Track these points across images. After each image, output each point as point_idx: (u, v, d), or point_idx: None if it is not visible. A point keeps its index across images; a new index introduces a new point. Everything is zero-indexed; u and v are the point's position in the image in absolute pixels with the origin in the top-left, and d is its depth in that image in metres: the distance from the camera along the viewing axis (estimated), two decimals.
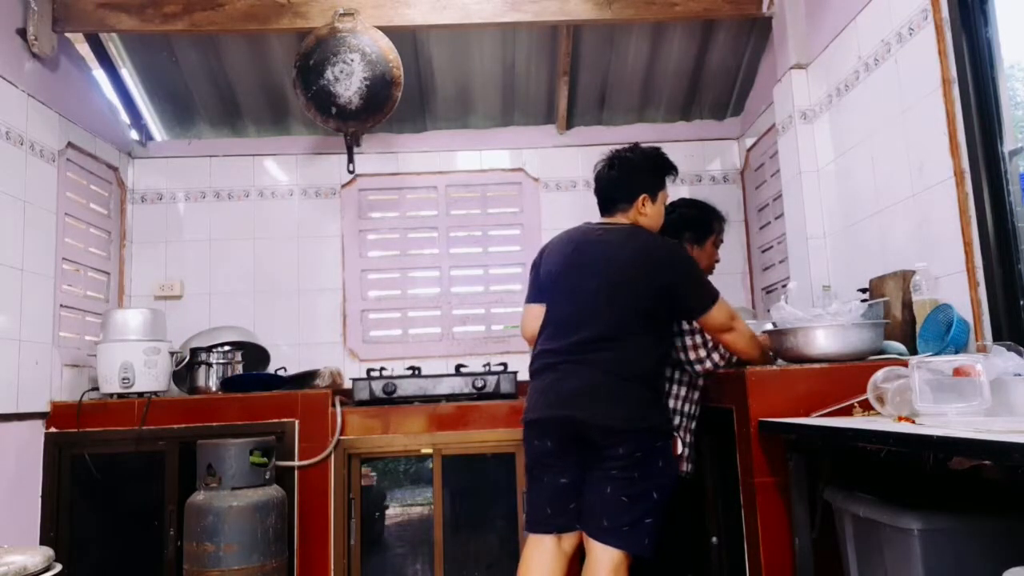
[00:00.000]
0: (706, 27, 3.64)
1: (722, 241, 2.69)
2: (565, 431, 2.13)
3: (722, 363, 2.30)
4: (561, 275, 2.27)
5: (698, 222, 2.60)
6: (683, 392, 2.37)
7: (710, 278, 2.39)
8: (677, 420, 2.34)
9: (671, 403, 2.35)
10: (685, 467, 2.34)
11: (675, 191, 3.99)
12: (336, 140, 3.75)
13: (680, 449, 2.26)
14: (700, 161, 4.02)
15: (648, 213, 2.29)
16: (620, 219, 2.31)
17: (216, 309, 3.80)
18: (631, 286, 2.15)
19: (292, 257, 3.89)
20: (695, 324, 2.31)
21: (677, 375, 2.36)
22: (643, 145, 2.40)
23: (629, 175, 2.32)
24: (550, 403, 2.15)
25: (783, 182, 3.23)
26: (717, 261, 2.68)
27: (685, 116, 4.09)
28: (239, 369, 3.35)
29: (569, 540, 2.16)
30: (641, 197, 2.28)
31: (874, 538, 1.76)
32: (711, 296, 2.22)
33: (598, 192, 2.39)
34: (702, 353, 2.30)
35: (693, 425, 2.39)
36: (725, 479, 2.29)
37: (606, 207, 2.36)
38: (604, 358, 2.11)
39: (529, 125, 4.06)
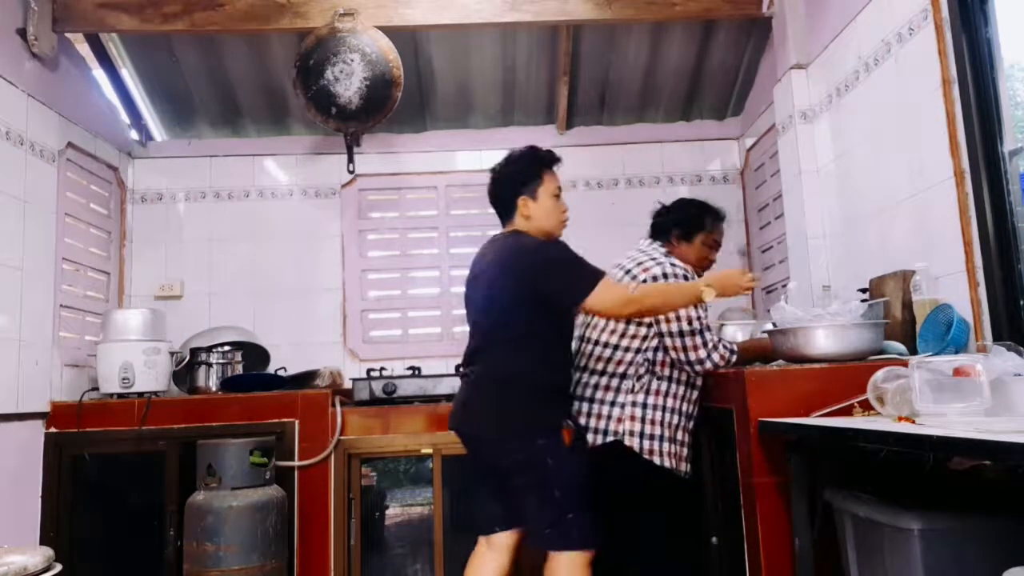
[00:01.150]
0: (706, 27, 3.64)
1: (718, 243, 2.60)
2: (466, 443, 2.26)
3: (722, 363, 2.29)
4: (467, 292, 2.38)
5: (687, 219, 2.55)
6: (682, 391, 2.36)
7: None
8: (676, 419, 2.33)
9: (670, 403, 2.33)
10: (684, 467, 2.33)
11: (674, 191, 4.02)
12: (336, 140, 3.75)
13: (571, 439, 2.13)
14: (700, 161, 4.02)
15: (533, 212, 2.28)
16: (508, 228, 2.35)
17: (216, 309, 3.80)
18: (497, 291, 2.20)
19: (292, 257, 3.89)
20: (695, 324, 2.29)
21: (676, 375, 2.36)
22: (515, 150, 2.41)
23: (502, 185, 2.36)
24: (452, 418, 2.29)
25: (783, 182, 3.23)
26: (712, 261, 2.60)
27: (685, 116, 4.09)
28: (239, 369, 3.35)
29: (498, 540, 2.23)
30: (520, 200, 2.29)
31: (874, 538, 1.76)
32: (587, 279, 2.13)
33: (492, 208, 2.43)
34: (702, 353, 2.29)
35: (691, 425, 2.39)
36: (725, 479, 2.29)
37: (501, 221, 2.41)
38: (478, 370, 2.22)
39: (529, 125, 4.06)
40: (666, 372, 2.35)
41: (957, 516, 1.62)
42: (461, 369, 2.32)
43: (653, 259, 2.41)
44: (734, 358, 2.31)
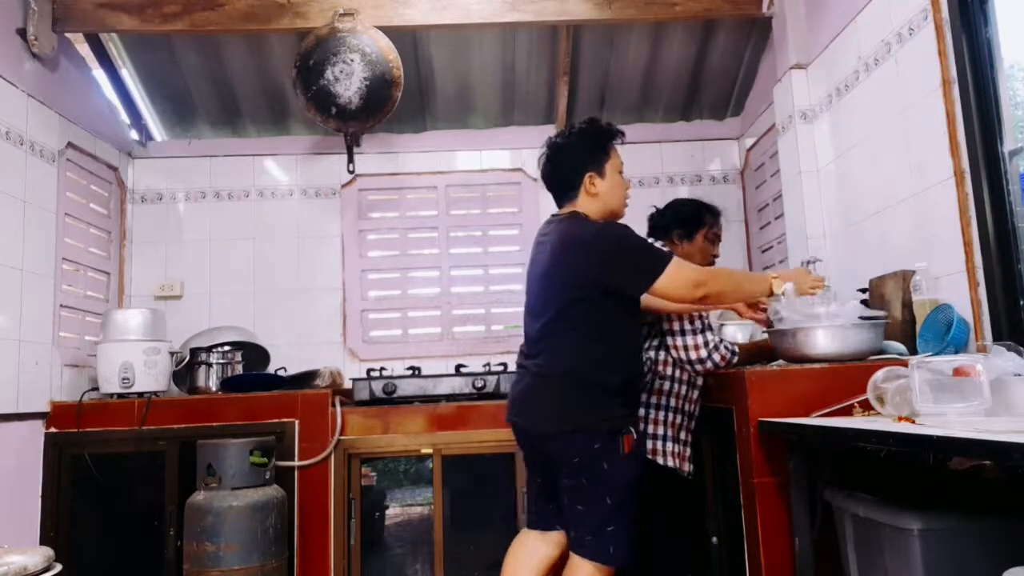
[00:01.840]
0: (706, 27, 3.64)
1: (719, 236, 2.61)
2: (520, 436, 2.14)
3: (723, 363, 2.30)
4: (526, 278, 2.24)
5: (686, 218, 2.56)
6: (684, 391, 2.37)
7: None
8: (678, 419, 2.34)
9: (673, 402, 2.34)
10: (687, 468, 2.34)
11: (674, 191, 4.02)
12: (336, 140, 3.75)
13: (632, 447, 2.00)
14: (700, 161, 4.02)
15: (600, 190, 2.12)
16: (567, 208, 2.17)
17: (216, 309, 3.80)
18: (556, 279, 2.06)
19: (292, 257, 3.89)
20: (696, 323, 2.30)
21: (677, 374, 2.36)
22: (573, 124, 2.27)
23: (565, 161, 2.17)
24: (509, 408, 2.16)
25: (783, 182, 3.23)
26: (716, 256, 2.61)
27: (685, 116, 4.09)
28: (239, 369, 3.35)
29: (554, 537, 2.14)
30: (587, 177, 2.11)
31: (874, 538, 1.76)
32: (657, 261, 2.00)
33: (547, 188, 2.25)
34: (703, 353, 2.29)
35: (693, 425, 2.39)
36: (725, 479, 2.29)
37: (557, 201, 2.22)
38: (536, 361, 2.07)
39: (529, 125, 4.06)
40: (668, 372, 2.35)
41: (957, 516, 1.62)
42: (519, 360, 2.18)
43: None
44: (735, 359, 2.31)
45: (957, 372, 1.56)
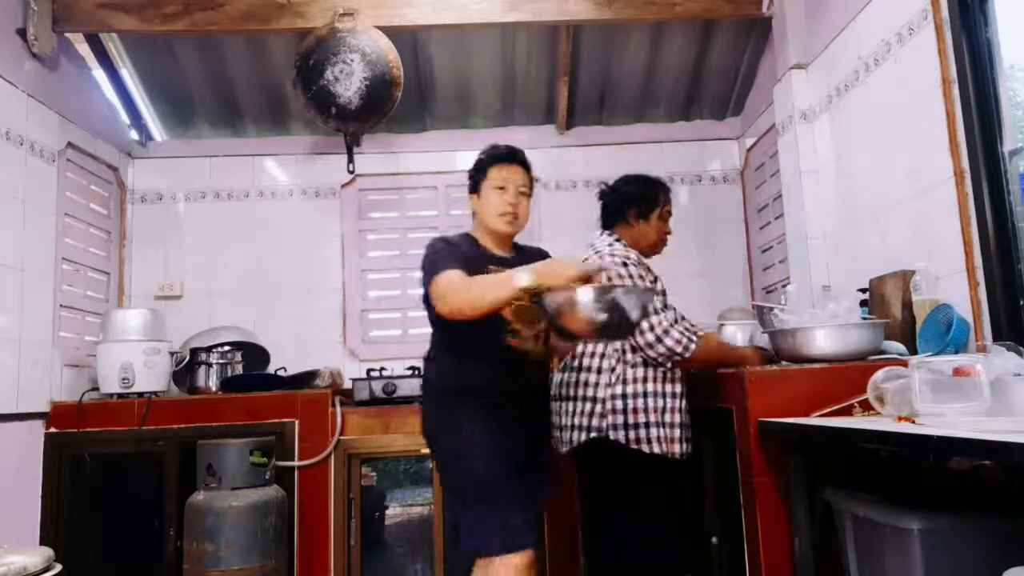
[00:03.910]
0: (706, 27, 3.64)
1: (670, 213, 2.51)
2: None
3: (680, 348, 2.16)
4: None
5: (641, 197, 2.47)
6: (660, 373, 2.24)
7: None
8: (661, 402, 2.20)
9: (650, 387, 2.22)
10: (678, 449, 2.20)
11: (675, 191, 3.99)
12: (336, 140, 3.74)
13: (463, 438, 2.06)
14: (700, 161, 4.02)
15: (476, 207, 2.26)
16: None
17: (216, 309, 3.80)
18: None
19: (292, 257, 3.89)
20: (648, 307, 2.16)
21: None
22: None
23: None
24: None
25: (783, 182, 3.23)
26: (668, 233, 2.50)
27: (685, 116, 4.09)
28: (239, 369, 3.35)
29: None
30: (471, 199, 2.29)
31: (874, 538, 1.76)
32: (426, 277, 2.04)
33: None
34: (650, 337, 2.17)
35: (683, 403, 2.25)
36: (725, 479, 2.29)
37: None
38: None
39: (529, 125, 4.06)
40: (638, 358, 2.23)
41: (957, 516, 1.62)
42: None
43: (597, 252, 2.35)
44: (693, 346, 2.17)
45: (957, 372, 1.56)
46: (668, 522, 2.27)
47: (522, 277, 1.82)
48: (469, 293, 1.91)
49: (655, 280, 2.34)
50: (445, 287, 1.95)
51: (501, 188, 2.19)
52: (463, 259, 2.04)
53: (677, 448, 2.20)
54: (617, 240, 2.41)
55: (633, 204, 2.46)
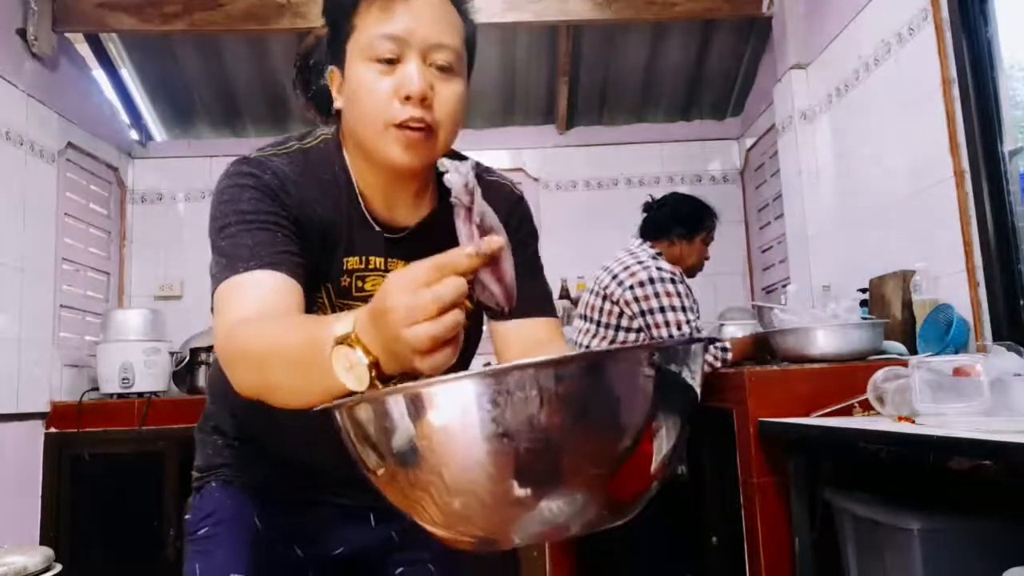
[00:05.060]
0: (706, 27, 3.64)
1: (712, 239, 2.61)
2: None
3: (718, 364, 2.26)
4: None
5: (689, 218, 2.53)
6: None
7: (700, 276, 2.34)
8: None
9: None
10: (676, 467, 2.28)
11: (674, 191, 3.99)
12: None
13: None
14: (700, 161, 4.02)
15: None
16: None
17: None
18: None
19: None
20: (684, 329, 2.25)
21: None
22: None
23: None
24: None
25: (783, 182, 3.23)
26: (706, 258, 2.61)
27: (685, 116, 4.09)
28: None
29: None
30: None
31: (874, 538, 1.76)
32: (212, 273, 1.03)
33: None
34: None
35: None
36: (725, 479, 2.29)
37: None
38: None
39: (529, 125, 4.06)
40: None
41: (957, 516, 1.62)
42: None
43: (640, 262, 2.37)
44: (728, 356, 2.28)
45: (957, 372, 1.55)
46: (668, 522, 2.28)
47: (349, 378, 0.66)
48: (259, 373, 0.81)
49: (695, 304, 2.35)
50: (219, 329, 0.91)
51: (390, 61, 0.96)
52: (297, 244, 0.98)
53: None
54: (660, 255, 2.42)
55: (680, 223, 2.49)
